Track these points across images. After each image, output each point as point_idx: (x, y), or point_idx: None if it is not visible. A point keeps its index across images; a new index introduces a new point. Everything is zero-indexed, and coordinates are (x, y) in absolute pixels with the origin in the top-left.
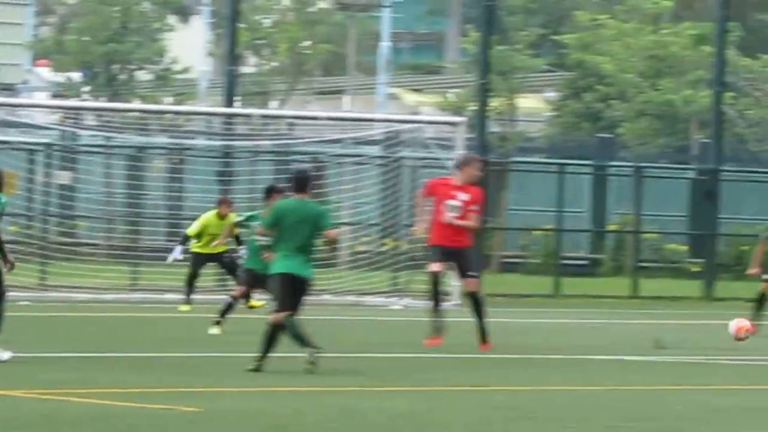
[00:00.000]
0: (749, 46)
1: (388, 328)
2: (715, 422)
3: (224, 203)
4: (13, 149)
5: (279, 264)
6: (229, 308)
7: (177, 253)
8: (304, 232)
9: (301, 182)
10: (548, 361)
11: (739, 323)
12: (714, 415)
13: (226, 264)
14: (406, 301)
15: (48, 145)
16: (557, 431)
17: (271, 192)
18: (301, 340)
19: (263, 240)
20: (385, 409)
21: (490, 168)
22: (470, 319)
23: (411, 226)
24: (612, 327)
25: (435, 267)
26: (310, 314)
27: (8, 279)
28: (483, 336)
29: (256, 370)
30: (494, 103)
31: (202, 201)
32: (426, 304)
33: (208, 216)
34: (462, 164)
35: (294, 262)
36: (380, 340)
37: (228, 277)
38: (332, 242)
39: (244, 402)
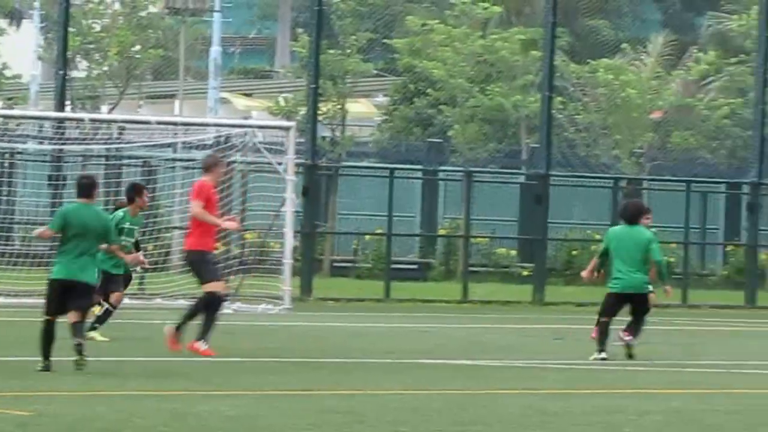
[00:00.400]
0: (578, 52)
1: (218, 332)
2: (546, 426)
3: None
4: None
5: (59, 269)
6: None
7: None
8: (88, 238)
9: (86, 188)
10: (379, 364)
11: None
12: (545, 419)
13: None
14: (237, 305)
15: None
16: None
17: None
18: (44, 347)
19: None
20: (216, 413)
21: (321, 172)
22: (300, 323)
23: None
24: (442, 331)
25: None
26: (142, 318)
27: None
28: (178, 331)
29: (45, 370)
30: (325, 107)
31: (32, 205)
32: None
33: None
34: (210, 166)
35: (74, 267)
36: (210, 344)
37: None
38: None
39: (76, 406)
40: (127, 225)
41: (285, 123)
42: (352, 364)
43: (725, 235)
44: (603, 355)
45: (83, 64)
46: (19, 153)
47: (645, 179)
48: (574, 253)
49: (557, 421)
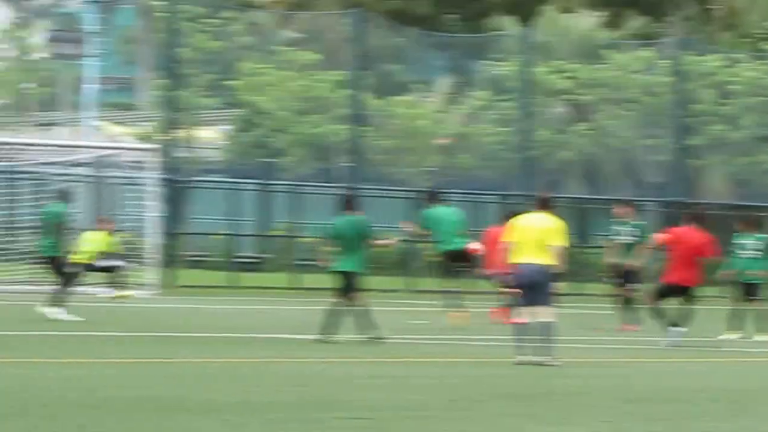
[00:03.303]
0: (378, 90)
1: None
2: (373, 388)
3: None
4: None
5: None
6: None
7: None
8: None
9: None
10: (229, 338)
11: None
12: (371, 382)
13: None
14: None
15: None
16: (239, 394)
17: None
18: None
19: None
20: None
21: (178, 185)
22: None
23: None
24: (277, 312)
25: None
26: None
27: None
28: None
29: None
30: (179, 133)
31: None
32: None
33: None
34: None
35: None
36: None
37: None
38: None
39: None
40: None
41: (148, 145)
42: (208, 337)
43: None
44: None
45: None
46: None
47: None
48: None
49: (384, 384)
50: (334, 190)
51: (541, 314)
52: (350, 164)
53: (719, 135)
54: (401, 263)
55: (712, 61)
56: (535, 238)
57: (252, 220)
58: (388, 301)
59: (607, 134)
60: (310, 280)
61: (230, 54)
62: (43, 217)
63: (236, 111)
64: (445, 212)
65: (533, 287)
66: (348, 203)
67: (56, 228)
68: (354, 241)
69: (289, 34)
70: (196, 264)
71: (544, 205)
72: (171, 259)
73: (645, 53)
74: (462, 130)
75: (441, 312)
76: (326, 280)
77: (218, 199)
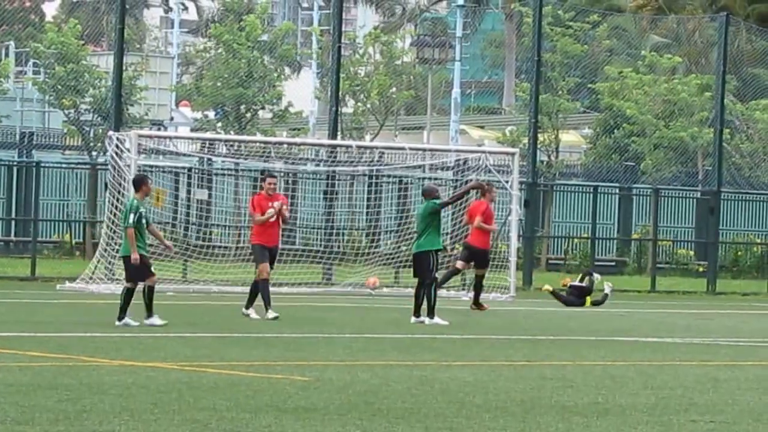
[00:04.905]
0: (743, 94)
1: (457, 314)
2: (717, 390)
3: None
4: (162, 171)
5: None
6: None
7: None
8: None
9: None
10: (585, 341)
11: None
12: (717, 384)
13: None
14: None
15: (189, 168)
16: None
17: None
18: None
19: None
20: (456, 379)
21: (539, 189)
22: (522, 308)
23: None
24: (634, 314)
25: None
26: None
27: (159, 273)
28: None
29: None
30: (542, 137)
31: (309, 214)
32: None
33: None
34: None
35: None
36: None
37: None
38: None
39: (345, 373)
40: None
41: (510, 149)
42: (564, 340)
43: None
44: None
45: (351, 102)
46: (299, 173)
47: None
48: (739, 253)
49: (726, 386)
50: (695, 194)
51: None
52: (712, 168)
53: None
54: None
55: None
56: None
57: (612, 224)
58: None
59: None
60: (667, 283)
61: (595, 58)
62: (417, 215)
63: (599, 114)
64: None
65: None
66: None
67: (430, 223)
68: None
69: (654, 38)
70: (556, 267)
71: None
72: (531, 262)
73: None
74: None
75: None
76: (683, 284)
77: (579, 202)
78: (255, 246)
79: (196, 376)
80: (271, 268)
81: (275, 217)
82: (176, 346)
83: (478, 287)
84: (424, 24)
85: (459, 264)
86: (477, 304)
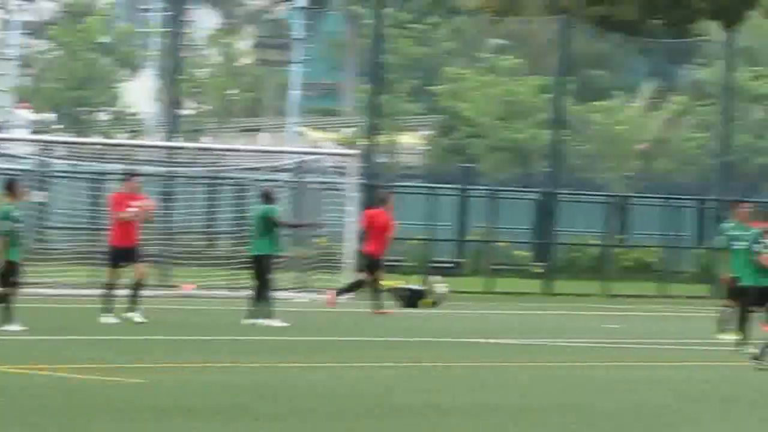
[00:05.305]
0: (583, 95)
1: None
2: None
3: None
4: None
5: None
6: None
7: None
8: None
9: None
10: (449, 343)
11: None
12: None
13: None
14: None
15: (27, 171)
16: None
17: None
18: None
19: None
20: None
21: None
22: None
23: None
24: (473, 316)
25: None
26: None
27: None
28: None
29: None
30: (381, 139)
31: None
32: None
33: None
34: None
35: None
36: None
37: None
38: None
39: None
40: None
41: (350, 151)
42: (398, 342)
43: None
44: None
45: (190, 104)
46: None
47: (632, 196)
48: (575, 254)
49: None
50: (532, 195)
51: None
52: (549, 169)
53: None
54: None
55: None
56: None
57: (450, 225)
58: None
59: None
60: (504, 284)
61: (434, 60)
62: (253, 216)
63: (437, 116)
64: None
65: None
66: None
67: (267, 227)
68: None
69: (494, 39)
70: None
71: None
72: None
73: None
74: (661, 135)
75: None
76: (520, 285)
77: (416, 203)
78: (111, 249)
79: (28, 378)
80: (129, 266)
81: (136, 216)
82: (7, 349)
83: (377, 292)
84: (265, 25)
85: (362, 275)
86: (378, 308)
